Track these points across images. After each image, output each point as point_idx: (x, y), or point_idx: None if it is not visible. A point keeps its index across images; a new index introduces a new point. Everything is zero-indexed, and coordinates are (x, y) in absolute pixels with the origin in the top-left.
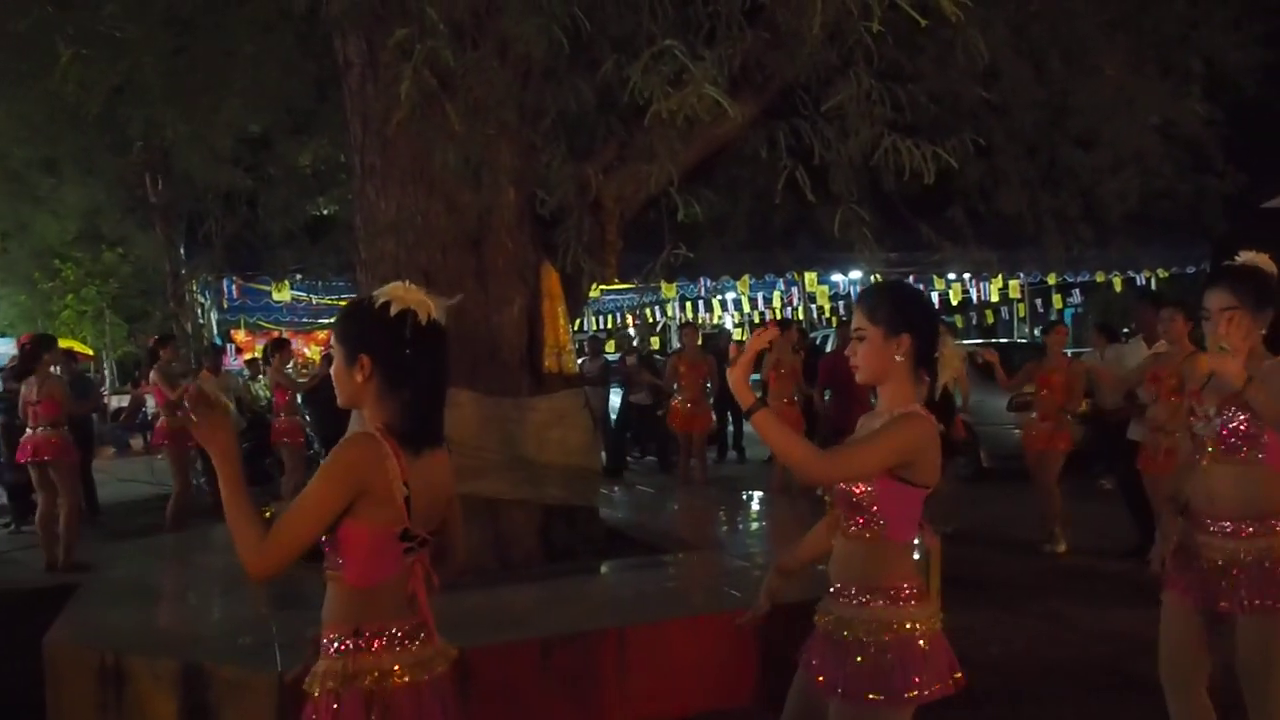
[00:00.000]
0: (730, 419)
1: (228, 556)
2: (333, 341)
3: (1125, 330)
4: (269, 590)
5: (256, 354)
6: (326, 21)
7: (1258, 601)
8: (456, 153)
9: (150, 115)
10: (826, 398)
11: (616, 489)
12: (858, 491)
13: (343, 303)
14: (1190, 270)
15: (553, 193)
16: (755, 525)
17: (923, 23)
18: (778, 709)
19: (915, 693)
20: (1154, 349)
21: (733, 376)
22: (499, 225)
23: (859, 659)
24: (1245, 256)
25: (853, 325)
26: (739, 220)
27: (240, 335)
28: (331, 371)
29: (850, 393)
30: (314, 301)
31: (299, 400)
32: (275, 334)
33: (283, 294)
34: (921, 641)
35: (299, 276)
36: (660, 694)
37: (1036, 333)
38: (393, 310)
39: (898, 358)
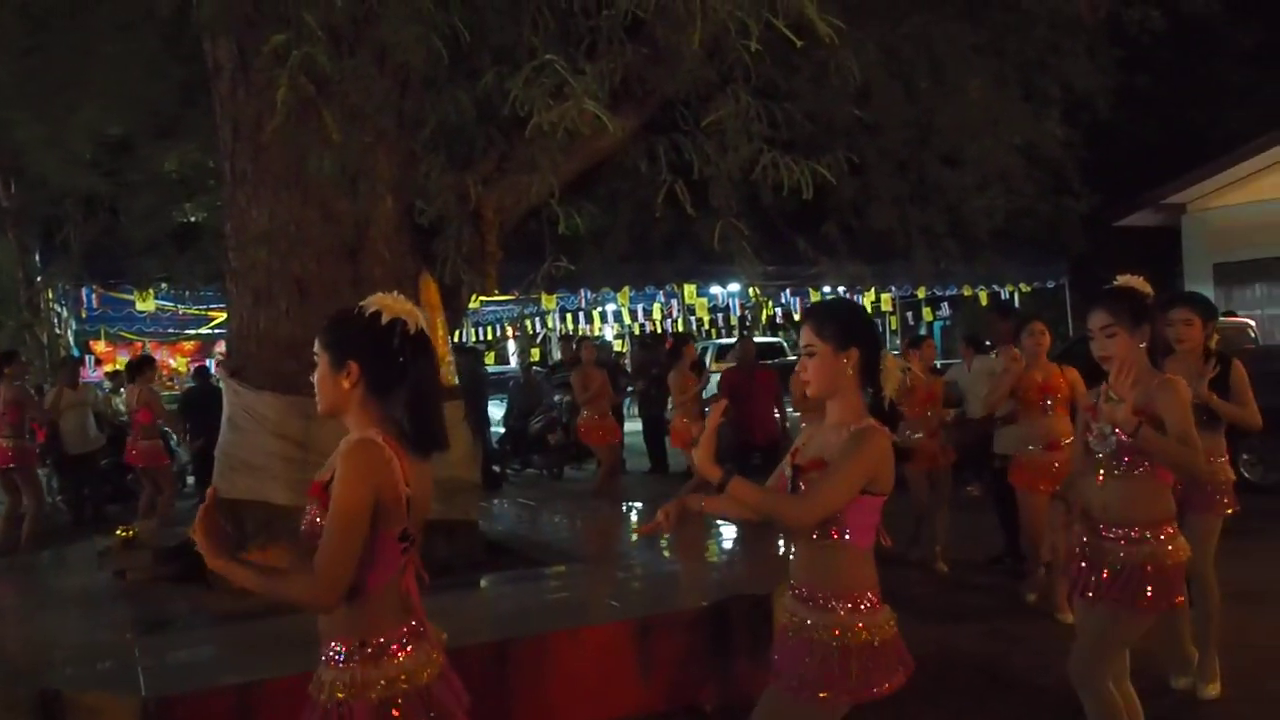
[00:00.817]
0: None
1: (85, 577)
2: (317, 348)
3: (988, 342)
4: (129, 613)
5: (119, 365)
6: (195, 24)
7: (1115, 596)
8: (333, 160)
9: (1, 116)
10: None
11: (496, 501)
12: None
13: (212, 313)
14: (1050, 285)
15: (432, 202)
16: (636, 536)
17: (798, 43)
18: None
19: (852, 693)
20: (1006, 362)
21: (698, 457)
22: (377, 235)
23: (815, 657)
24: (1122, 279)
25: (802, 341)
26: (620, 232)
27: (100, 346)
28: (315, 377)
29: (750, 408)
30: (180, 311)
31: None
32: (138, 346)
33: (147, 304)
34: (876, 644)
35: (164, 286)
36: (542, 708)
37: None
38: (384, 319)
39: (848, 371)
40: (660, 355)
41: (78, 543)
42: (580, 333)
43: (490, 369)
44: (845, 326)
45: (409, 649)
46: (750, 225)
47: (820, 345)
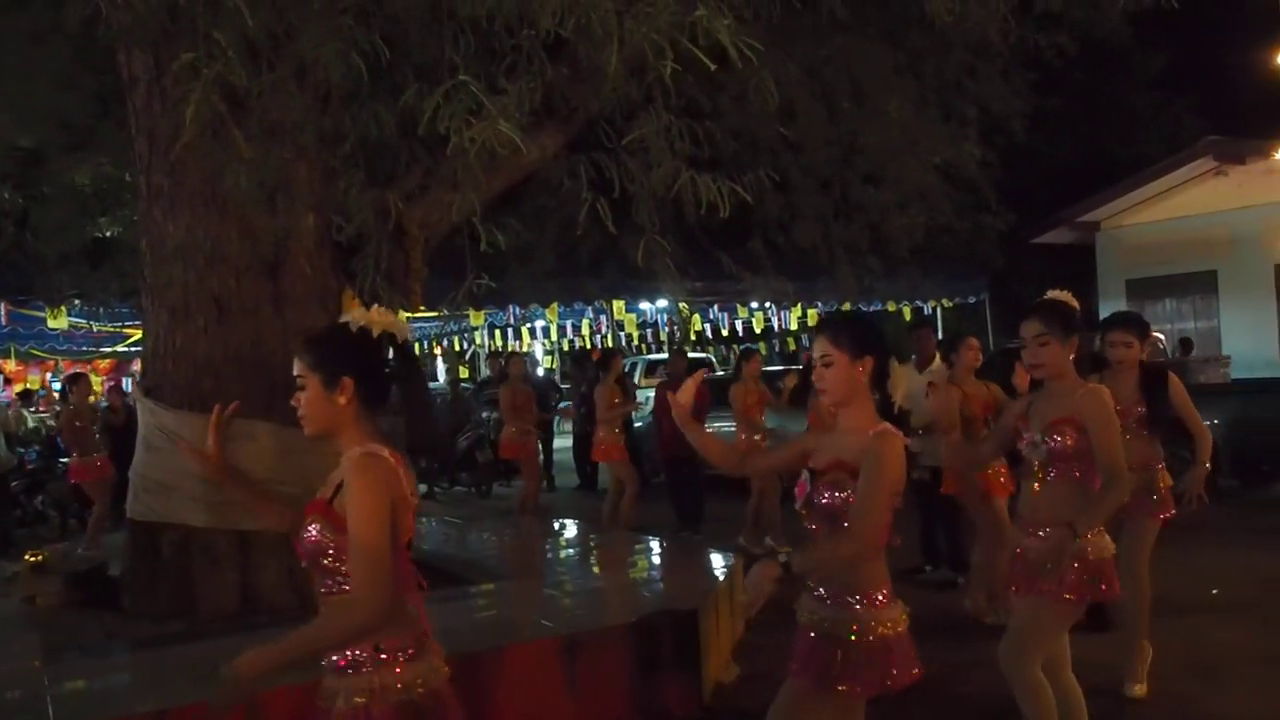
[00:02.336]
0: (539, 447)
1: None
2: (304, 370)
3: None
4: (38, 639)
5: (30, 385)
6: (108, 35)
7: (1042, 588)
8: (250, 176)
9: None
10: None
11: (423, 519)
12: (840, 502)
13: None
14: (971, 300)
15: (352, 219)
16: (565, 553)
17: (712, 67)
18: None
19: (864, 688)
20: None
21: (678, 417)
22: (297, 251)
23: (836, 654)
24: (1051, 294)
25: (817, 352)
26: (545, 249)
27: (10, 365)
28: (303, 399)
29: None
30: (95, 329)
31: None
32: (50, 364)
33: (59, 321)
34: (891, 638)
35: (77, 302)
36: None
37: None
38: (375, 334)
39: (863, 379)
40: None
41: None
42: (510, 349)
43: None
44: (860, 336)
45: (421, 654)
46: (676, 242)
47: (837, 355)
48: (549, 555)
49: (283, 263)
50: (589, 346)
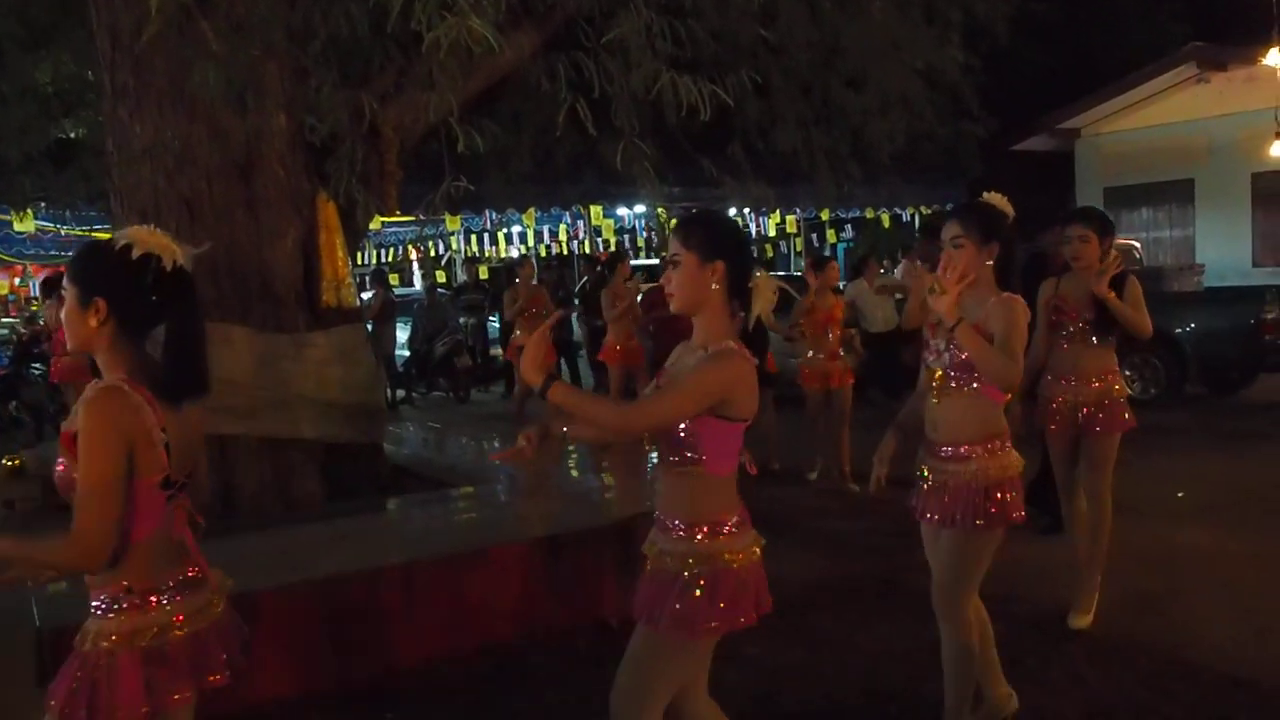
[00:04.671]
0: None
1: None
2: (65, 281)
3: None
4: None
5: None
6: None
7: (960, 518)
8: (218, 74)
9: None
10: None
11: (403, 424)
12: (680, 431)
13: (97, 233)
14: (949, 208)
15: (325, 120)
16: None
17: None
18: (565, 637)
19: (718, 624)
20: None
21: (523, 362)
22: (269, 153)
23: (675, 590)
24: (986, 196)
25: (669, 251)
26: (523, 153)
27: None
28: (62, 312)
29: (674, 325)
30: (63, 233)
31: None
32: (18, 269)
33: (25, 224)
34: (738, 572)
35: (43, 205)
36: (452, 626)
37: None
38: (135, 253)
39: (713, 285)
40: (565, 278)
41: None
42: (487, 255)
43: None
44: (712, 237)
45: (180, 596)
46: (655, 147)
47: (685, 255)
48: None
49: (254, 165)
50: (565, 252)
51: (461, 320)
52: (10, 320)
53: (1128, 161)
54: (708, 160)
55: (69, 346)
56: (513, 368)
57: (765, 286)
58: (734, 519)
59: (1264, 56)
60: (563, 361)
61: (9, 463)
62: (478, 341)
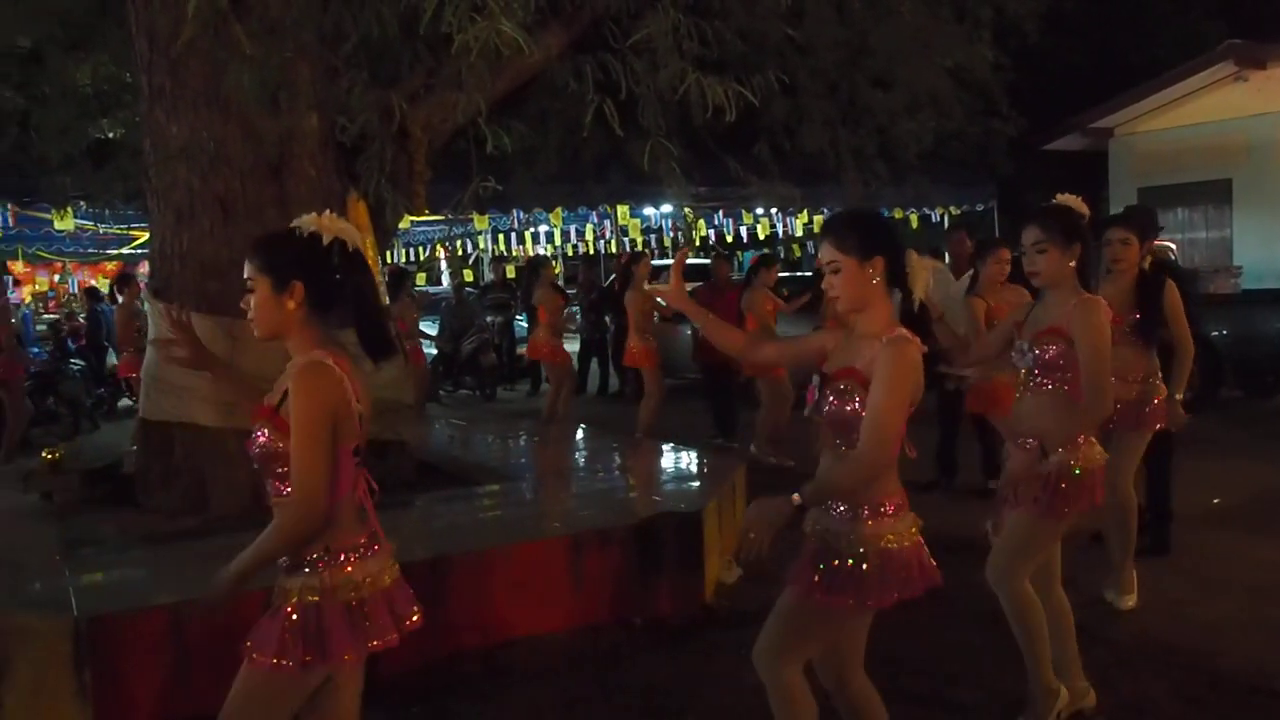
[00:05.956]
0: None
1: (9, 500)
2: (251, 273)
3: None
4: (57, 534)
5: (39, 286)
6: None
7: (1029, 502)
8: (252, 75)
9: None
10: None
11: (428, 422)
12: (849, 412)
13: (134, 232)
14: (979, 208)
15: (355, 120)
16: (573, 457)
17: None
18: (589, 634)
19: (871, 601)
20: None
21: (672, 298)
22: (301, 152)
23: (831, 567)
24: (1061, 198)
25: (824, 258)
26: (549, 152)
27: (18, 267)
28: (252, 303)
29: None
30: (101, 231)
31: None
32: (59, 266)
33: (65, 222)
34: (896, 553)
35: (82, 204)
36: (477, 623)
37: None
38: (325, 239)
39: (874, 280)
40: (595, 277)
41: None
42: (514, 254)
43: (422, 290)
44: (867, 236)
45: (370, 555)
46: (681, 146)
47: (844, 259)
48: (553, 458)
49: (286, 164)
50: (591, 252)
51: (489, 319)
52: (50, 316)
53: (1163, 161)
54: (734, 160)
55: (258, 335)
56: (538, 367)
57: (920, 268)
58: (892, 502)
59: None
60: (595, 361)
61: (48, 456)
62: (504, 340)
